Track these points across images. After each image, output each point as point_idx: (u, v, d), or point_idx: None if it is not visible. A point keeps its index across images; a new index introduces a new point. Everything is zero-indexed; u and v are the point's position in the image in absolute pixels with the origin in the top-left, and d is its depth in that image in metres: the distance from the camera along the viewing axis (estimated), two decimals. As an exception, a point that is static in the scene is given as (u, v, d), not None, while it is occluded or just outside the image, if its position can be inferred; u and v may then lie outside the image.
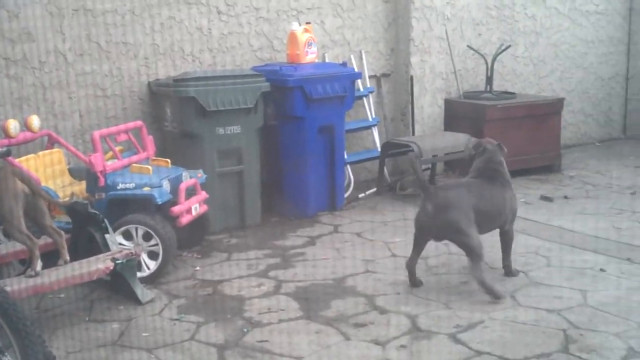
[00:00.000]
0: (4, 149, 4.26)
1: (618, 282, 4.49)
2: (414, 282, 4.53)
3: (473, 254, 4.28)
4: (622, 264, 4.80)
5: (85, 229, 4.52)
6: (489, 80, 7.68)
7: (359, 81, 6.95)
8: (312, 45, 6.37)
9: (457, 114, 7.59)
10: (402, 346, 3.72)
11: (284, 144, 6.12)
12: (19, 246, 4.22)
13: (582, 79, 9.11)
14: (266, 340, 3.83)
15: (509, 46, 7.95)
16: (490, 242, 4.64)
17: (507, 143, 7.19)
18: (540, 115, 7.53)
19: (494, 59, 7.63)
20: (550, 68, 8.81)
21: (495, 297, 4.25)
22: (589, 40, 9.06)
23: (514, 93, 7.93)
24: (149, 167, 5.00)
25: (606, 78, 9.29)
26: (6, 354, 2.96)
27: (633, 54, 9.38)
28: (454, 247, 5.13)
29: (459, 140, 6.78)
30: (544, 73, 8.77)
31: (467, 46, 7.84)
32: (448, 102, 7.67)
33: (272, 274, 4.86)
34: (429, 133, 7.38)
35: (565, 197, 6.56)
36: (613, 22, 9.18)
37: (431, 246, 5.26)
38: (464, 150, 4.85)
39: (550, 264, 4.86)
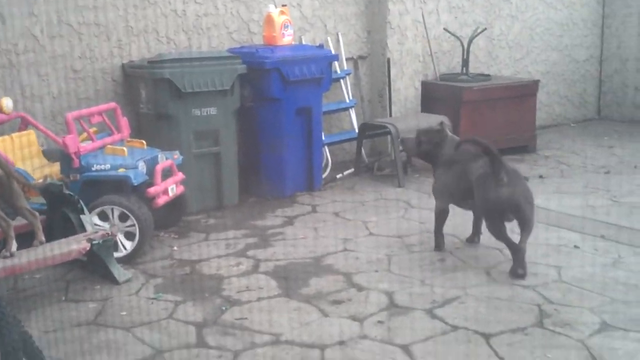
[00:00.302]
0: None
1: (592, 259, 4.56)
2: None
3: (532, 225, 4.32)
4: (596, 241, 4.87)
5: (60, 210, 4.49)
6: (465, 62, 7.71)
7: (336, 63, 6.95)
8: (288, 28, 6.34)
9: (433, 96, 7.61)
10: (380, 322, 3.75)
11: (261, 125, 6.10)
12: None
13: (557, 61, 9.19)
14: (245, 318, 3.83)
15: (485, 29, 7.99)
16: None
17: (483, 124, 7.36)
18: (515, 97, 7.59)
19: (470, 42, 7.67)
20: (525, 50, 8.87)
21: (522, 272, 4.24)
22: (564, 23, 9.13)
23: (489, 75, 7.98)
24: (124, 148, 4.96)
25: (581, 60, 9.39)
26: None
27: (607, 37, 9.47)
28: (430, 226, 5.18)
29: (436, 122, 6.80)
30: (520, 55, 8.83)
31: (444, 29, 7.86)
32: (425, 84, 7.69)
33: (250, 253, 4.86)
34: (406, 115, 7.40)
35: (541, 177, 6.63)
36: (587, 5, 9.27)
37: (406, 224, 5.32)
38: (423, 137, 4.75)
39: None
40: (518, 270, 4.26)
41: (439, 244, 4.79)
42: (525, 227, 4.31)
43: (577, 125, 9.27)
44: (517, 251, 4.29)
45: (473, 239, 4.91)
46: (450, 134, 4.84)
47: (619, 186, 6.22)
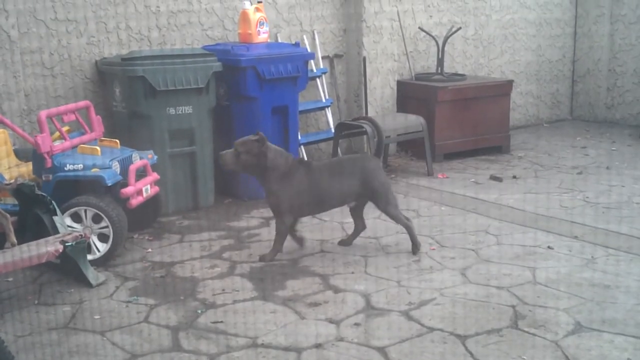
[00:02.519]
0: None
1: (566, 260, 4.61)
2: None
3: None
4: (570, 242, 4.93)
5: (32, 211, 4.41)
6: (440, 62, 7.75)
7: (312, 62, 6.93)
8: (264, 25, 6.31)
9: (409, 95, 7.64)
10: (357, 324, 3.75)
11: (237, 124, 6.06)
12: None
13: (531, 61, 9.28)
14: (221, 321, 3.81)
15: (460, 28, 8.04)
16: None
17: (458, 124, 7.41)
18: (489, 97, 7.65)
19: (444, 41, 7.70)
20: (499, 50, 8.94)
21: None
22: (537, 22, 9.22)
23: (464, 75, 8.02)
24: (98, 148, 4.90)
25: (554, 60, 9.49)
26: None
27: (579, 37, 9.59)
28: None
29: (411, 122, 6.85)
30: (494, 55, 8.90)
31: (419, 28, 7.88)
32: (400, 84, 7.71)
33: (226, 255, 4.83)
34: (382, 114, 7.41)
35: (514, 177, 6.69)
36: (560, 5, 9.36)
37: (382, 225, 5.33)
38: None
39: (499, 242, 4.96)
40: (415, 243, 4.76)
41: (273, 257, 4.70)
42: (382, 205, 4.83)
43: (550, 126, 9.37)
44: (410, 226, 4.79)
45: (352, 241, 4.96)
46: (270, 144, 4.66)
47: (592, 187, 6.30)
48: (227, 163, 4.63)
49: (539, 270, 4.42)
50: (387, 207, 4.74)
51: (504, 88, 7.84)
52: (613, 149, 7.86)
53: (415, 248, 4.74)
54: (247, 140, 4.62)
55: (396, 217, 4.76)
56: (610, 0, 9.16)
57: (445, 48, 7.77)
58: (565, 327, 3.66)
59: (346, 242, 4.95)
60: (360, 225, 4.96)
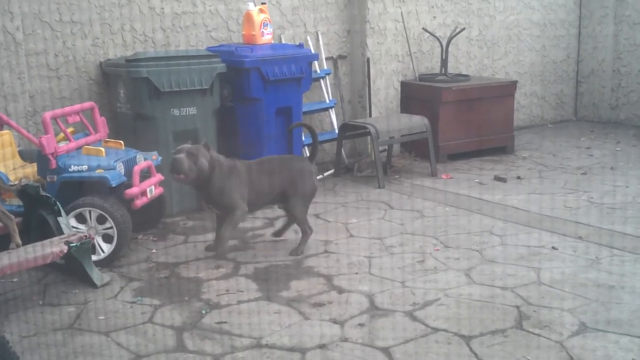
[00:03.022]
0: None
1: (570, 260, 4.60)
2: None
3: None
4: (574, 242, 4.92)
5: (37, 212, 4.42)
6: (444, 62, 7.74)
7: (316, 63, 6.94)
8: (267, 26, 6.31)
9: (413, 96, 7.64)
10: (361, 325, 3.75)
11: (241, 125, 6.07)
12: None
13: (535, 61, 9.26)
14: (225, 322, 3.81)
15: (464, 29, 8.03)
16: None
17: (462, 125, 7.40)
18: (493, 98, 7.64)
19: (448, 42, 7.70)
20: (503, 51, 8.93)
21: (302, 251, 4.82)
22: (542, 23, 9.21)
23: (468, 75, 8.01)
24: (102, 149, 4.91)
25: (558, 61, 9.47)
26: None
27: (583, 37, 9.57)
28: (409, 227, 5.22)
29: (415, 122, 6.84)
30: (498, 56, 8.89)
31: (423, 29, 7.88)
32: (404, 85, 7.71)
33: (230, 255, 4.83)
34: (386, 115, 7.41)
35: (518, 178, 6.68)
36: (564, 6, 9.35)
37: (386, 225, 5.33)
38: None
39: (504, 243, 4.95)
40: (300, 249, 4.83)
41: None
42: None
43: (555, 126, 9.36)
44: (308, 233, 4.89)
45: (283, 233, 5.11)
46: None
47: (596, 187, 6.29)
48: (184, 170, 4.46)
49: (544, 271, 4.41)
50: (296, 207, 4.84)
51: (508, 89, 7.83)
52: (617, 149, 7.84)
53: (296, 252, 4.82)
54: (195, 146, 4.58)
55: (300, 220, 4.88)
56: (614, 1, 9.14)
57: (449, 49, 7.77)
58: (570, 328, 3.65)
59: (277, 234, 5.13)
60: (291, 219, 5.05)
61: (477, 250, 4.80)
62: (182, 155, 4.47)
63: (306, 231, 4.90)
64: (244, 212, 4.77)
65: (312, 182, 4.93)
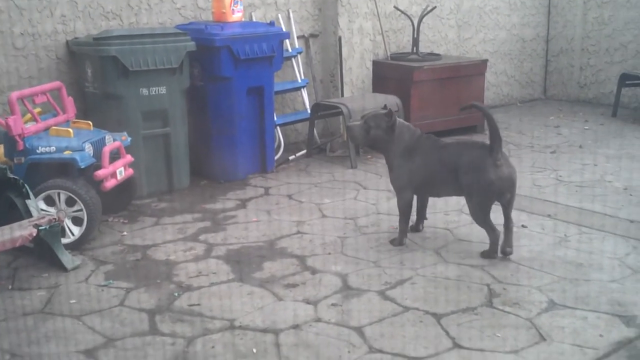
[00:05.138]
0: None
1: (539, 238, 4.66)
2: None
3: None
4: (543, 220, 4.99)
5: (4, 194, 4.35)
6: (416, 41, 7.74)
7: (287, 42, 6.88)
8: (238, 4, 6.23)
9: (385, 76, 7.63)
10: (334, 304, 3.77)
11: (212, 105, 6.01)
12: None
13: (505, 40, 9.31)
14: (197, 304, 3.80)
15: (435, 7, 8.02)
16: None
17: (433, 104, 7.42)
18: (464, 77, 7.67)
19: (420, 20, 7.69)
20: (474, 29, 8.95)
21: (510, 250, 4.34)
22: (512, 2, 9.24)
23: (439, 54, 8.03)
24: (70, 129, 4.82)
25: (528, 40, 9.53)
26: None
27: (553, 16, 9.64)
28: (382, 207, 5.22)
29: (388, 102, 6.81)
30: (469, 35, 8.91)
31: (394, 7, 7.86)
32: (376, 64, 7.69)
33: (202, 237, 4.81)
34: (358, 95, 7.40)
35: (489, 157, 6.72)
36: (534, -15, 9.40)
37: (360, 205, 5.34)
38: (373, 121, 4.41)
39: (473, 222, 4.98)
40: (493, 254, 4.35)
41: (402, 240, 4.59)
42: (511, 207, 4.37)
43: (524, 105, 9.44)
44: (497, 236, 4.33)
45: (418, 227, 4.84)
46: (398, 118, 4.57)
47: (565, 166, 6.37)
48: (356, 137, 4.55)
49: (513, 249, 4.46)
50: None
51: (478, 67, 7.87)
52: (586, 127, 7.95)
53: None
54: (377, 114, 4.51)
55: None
56: (583, -21, 9.22)
57: (421, 28, 7.76)
58: (539, 305, 3.71)
59: (416, 228, 4.81)
60: (424, 215, 4.83)
61: (448, 229, 4.84)
62: (355, 123, 4.56)
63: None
64: (406, 203, 4.51)
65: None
